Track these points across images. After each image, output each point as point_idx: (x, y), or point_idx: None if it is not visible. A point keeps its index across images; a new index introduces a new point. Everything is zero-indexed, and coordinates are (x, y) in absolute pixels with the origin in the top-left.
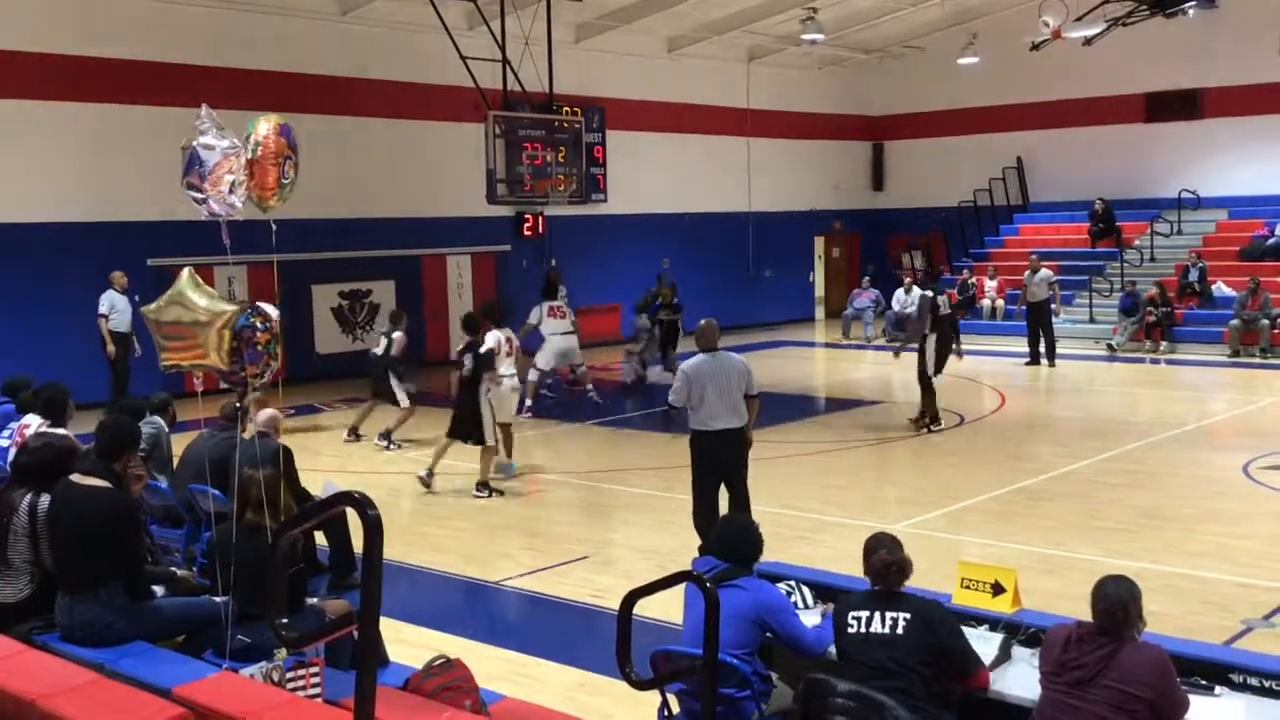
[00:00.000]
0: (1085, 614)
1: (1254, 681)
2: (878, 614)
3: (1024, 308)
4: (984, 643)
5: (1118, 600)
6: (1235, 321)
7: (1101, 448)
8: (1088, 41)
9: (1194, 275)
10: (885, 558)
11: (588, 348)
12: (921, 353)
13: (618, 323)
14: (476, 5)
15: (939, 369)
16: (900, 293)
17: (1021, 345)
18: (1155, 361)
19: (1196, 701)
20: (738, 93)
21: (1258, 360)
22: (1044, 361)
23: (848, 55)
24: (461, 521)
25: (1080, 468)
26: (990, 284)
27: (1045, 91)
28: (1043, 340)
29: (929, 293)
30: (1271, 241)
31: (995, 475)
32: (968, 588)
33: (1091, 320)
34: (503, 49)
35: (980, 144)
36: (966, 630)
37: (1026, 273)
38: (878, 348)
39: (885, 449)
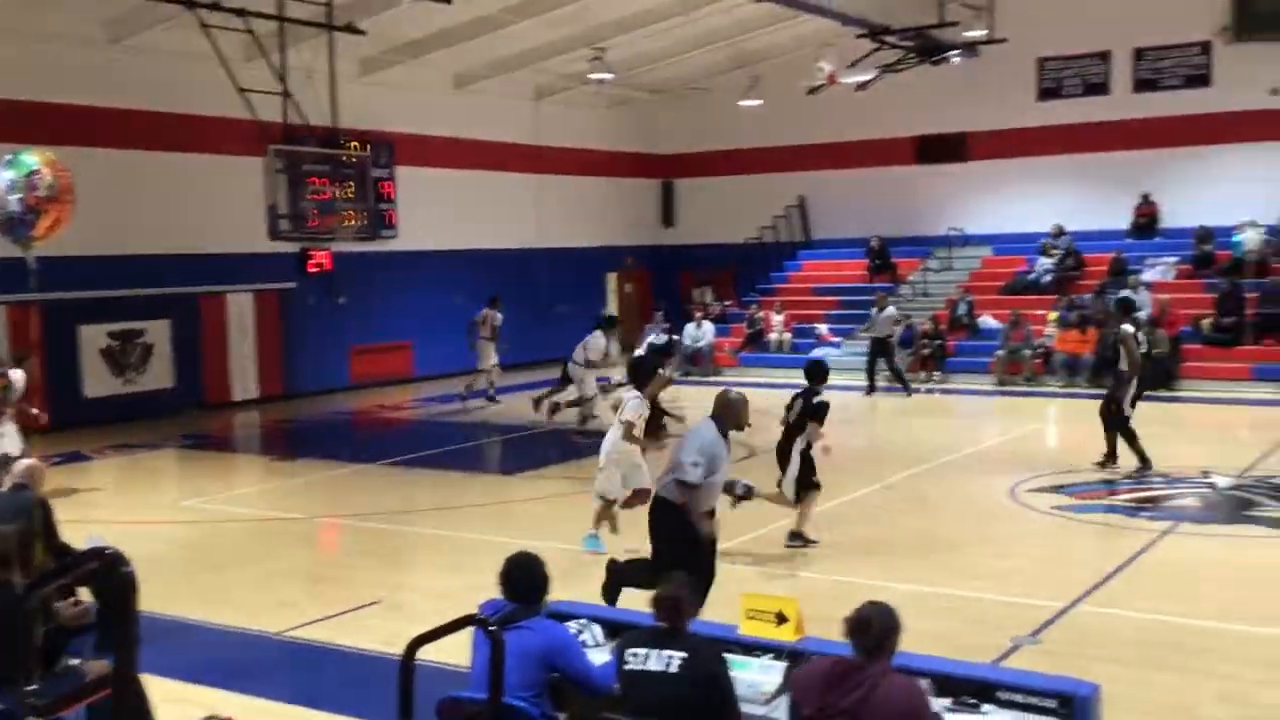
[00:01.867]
0: None
1: (1018, 698)
2: (655, 652)
3: (867, 341)
4: (768, 672)
5: (861, 620)
6: (1000, 352)
7: (880, 475)
8: (861, 87)
9: (963, 309)
10: (660, 592)
11: (380, 386)
12: (1118, 395)
13: (409, 361)
14: (254, 36)
15: (1133, 405)
16: (691, 327)
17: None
18: (930, 391)
19: None
20: (527, 130)
21: (1022, 389)
22: (878, 393)
23: (635, 95)
24: (242, 570)
25: (862, 495)
26: (777, 318)
27: (824, 134)
28: (890, 374)
29: (1129, 326)
30: (1032, 276)
31: (780, 505)
32: (753, 618)
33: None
34: (283, 81)
35: (765, 183)
36: (752, 660)
37: (874, 310)
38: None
39: None
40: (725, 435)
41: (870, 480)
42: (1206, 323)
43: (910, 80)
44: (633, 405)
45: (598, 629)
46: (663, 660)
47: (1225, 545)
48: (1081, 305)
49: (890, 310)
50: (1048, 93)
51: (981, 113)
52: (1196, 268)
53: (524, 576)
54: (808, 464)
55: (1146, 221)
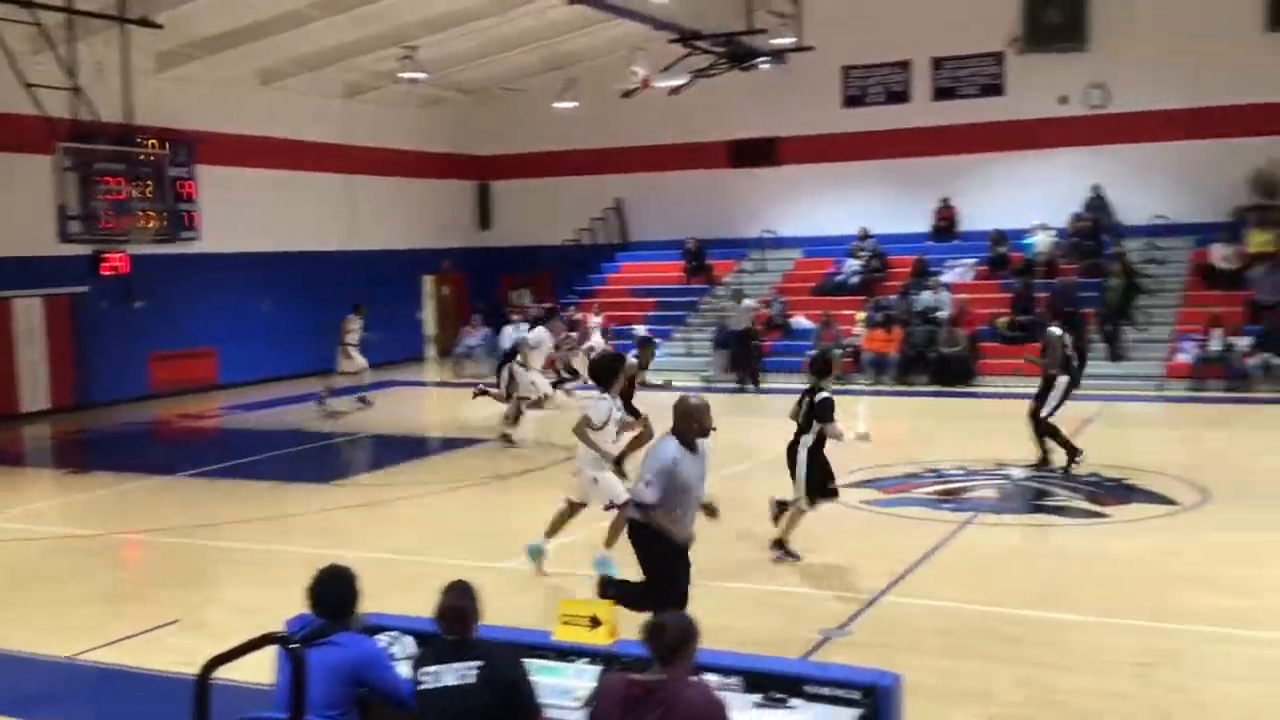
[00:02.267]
0: None
1: (825, 691)
2: (449, 666)
3: (727, 336)
4: (581, 676)
5: (655, 627)
6: (813, 352)
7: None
8: (674, 91)
9: (776, 310)
10: (440, 603)
11: (182, 394)
12: (1044, 394)
13: (213, 367)
14: (41, 29)
15: (1054, 410)
16: (509, 329)
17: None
18: (748, 391)
19: (769, 715)
20: (337, 129)
21: (832, 387)
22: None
23: (448, 95)
24: (31, 591)
25: None
26: (595, 320)
27: (640, 137)
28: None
29: (1055, 329)
30: (840, 278)
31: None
32: (568, 624)
33: (689, 354)
34: (72, 76)
35: (582, 185)
36: (566, 665)
37: (730, 303)
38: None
39: (496, 487)
40: (691, 447)
41: None
42: (1002, 321)
43: (723, 85)
44: (591, 405)
45: (409, 641)
46: (458, 673)
47: (1022, 534)
48: (887, 306)
49: (750, 301)
50: (853, 100)
51: (791, 118)
52: (992, 269)
53: (333, 590)
54: (823, 467)
55: (946, 225)
